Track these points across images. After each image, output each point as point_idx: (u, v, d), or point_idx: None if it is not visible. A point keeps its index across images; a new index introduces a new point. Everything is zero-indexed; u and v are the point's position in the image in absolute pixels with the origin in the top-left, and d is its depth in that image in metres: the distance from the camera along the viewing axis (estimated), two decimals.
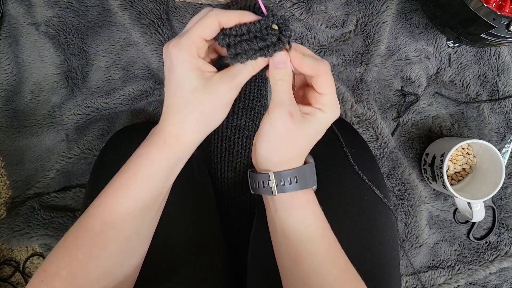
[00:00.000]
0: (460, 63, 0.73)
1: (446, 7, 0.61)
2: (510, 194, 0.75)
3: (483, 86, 0.74)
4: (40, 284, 0.34)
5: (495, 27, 0.54)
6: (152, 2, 0.70)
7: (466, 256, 0.75)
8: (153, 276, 0.45)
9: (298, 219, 0.38)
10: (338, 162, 0.51)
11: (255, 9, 0.38)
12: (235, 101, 0.60)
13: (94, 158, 0.71)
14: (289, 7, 0.69)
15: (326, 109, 0.36)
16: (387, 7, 0.71)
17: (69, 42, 0.70)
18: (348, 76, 0.72)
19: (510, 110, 0.74)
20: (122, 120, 0.72)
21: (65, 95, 0.70)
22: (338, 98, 0.71)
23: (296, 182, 0.37)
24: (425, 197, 0.74)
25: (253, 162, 0.40)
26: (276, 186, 0.37)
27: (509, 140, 0.74)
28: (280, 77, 0.36)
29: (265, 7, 0.36)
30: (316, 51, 0.71)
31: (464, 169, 0.71)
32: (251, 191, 0.42)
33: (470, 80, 0.74)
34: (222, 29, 0.35)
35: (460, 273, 0.74)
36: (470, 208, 0.67)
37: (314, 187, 0.40)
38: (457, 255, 0.75)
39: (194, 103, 0.35)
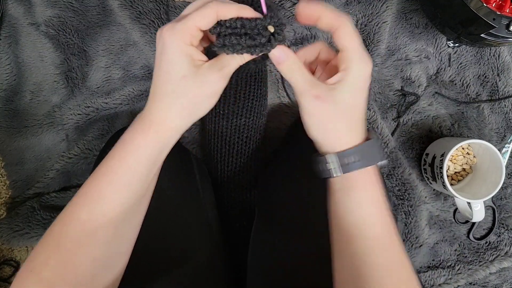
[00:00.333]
0: (460, 63, 0.73)
1: (446, 7, 0.61)
2: (510, 194, 0.75)
3: (483, 86, 0.74)
4: (29, 274, 0.34)
5: (495, 27, 0.54)
6: (152, 2, 0.70)
7: (466, 256, 0.75)
8: (153, 275, 0.45)
9: (355, 202, 0.36)
10: None
11: (258, 6, 0.38)
12: (235, 101, 0.60)
13: (94, 158, 0.71)
14: (289, 7, 0.69)
15: (354, 65, 0.34)
16: (387, 7, 0.71)
17: (69, 42, 0.70)
18: None
19: (510, 110, 0.74)
20: (122, 120, 0.72)
21: (65, 95, 0.70)
22: None
23: (359, 160, 0.35)
24: (425, 197, 0.74)
25: (316, 147, 0.39)
26: (335, 168, 0.35)
27: (509, 140, 0.74)
28: (288, 70, 0.35)
29: (268, 6, 0.36)
30: None
31: (464, 169, 0.71)
32: (318, 176, 0.40)
33: (470, 80, 0.74)
34: None
35: (460, 273, 0.74)
36: (470, 208, 0.67)
37: (382, 162, 0.37)
38: (457, 255, 0.75)
39: (182, 89, 0.34)
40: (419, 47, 0.73)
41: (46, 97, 0.71)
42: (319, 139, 0.36)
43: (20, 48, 0.70)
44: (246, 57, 0.37)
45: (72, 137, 0.71)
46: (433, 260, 0.75)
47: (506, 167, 0.74)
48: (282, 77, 0.71)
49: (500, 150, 0.73)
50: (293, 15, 0.70)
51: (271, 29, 0.35)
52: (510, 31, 0.54)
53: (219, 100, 0.60)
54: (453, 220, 0.75)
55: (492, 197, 0.70)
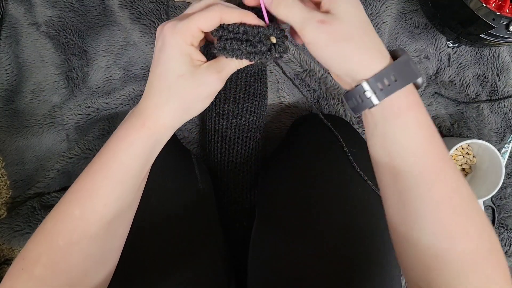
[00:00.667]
0: (460, 63, 0.74)
1: (446, 7, 0.61)
2: (509, 194, 0.75)
3: (483, 86, 0.74)
4: (20, 273, 0.34)
5: (495, 27, 0.54)
6: (152, 3, 0.70)
7: None
8: (153, 275, 0.45)
9: (399, 129, 0.32)
10: (339, 162, 0.51)
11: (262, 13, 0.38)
12: (235, 101, 0.60)
13: None
14: None
15: None
16: (386, 7, 0.71)
17: (69, 42, 0.70)
18: None
19: (509, 110, 0.74)
20: (122, 120, 0.72)
21: (65, 95, 0.70)
22: (338, 98, 0.71)
23: (395, 80, 0.31)
24: None
25: (344, 87, 0.37)
26: (373, 95, 0.32)
27: (508, 140, 0.74)
28: (285, 6, 0.33)
29: (271, 17, 0.36)
30: None
31: (463, 169, 0.71)
32: (355, 116, 0.37)
33: (469, 80, 0.74)
34: None
35: None
36: None
37: (420, 79, 0.33)
38: None
39: (178, 88, 0.34)
40: (419, 47, 0.73)
41: (47, 97, 0.71)
42: (345, 70, 0.33)
43: (20, 48, 0.70)
44: (244, 63, 0.37)
45: (72, 137, 0.71)
46: None
47: (506, 167, 0.74)
48: (282, 76, 0.72)
49: (499, 150, 0.73)
50: None
51: (273, 39, 0.35)
52: (509, 31, 0.55)
53: (219, 100, 0.61)
54: None
55: (492, 197, 0.70)
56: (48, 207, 0.70)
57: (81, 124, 0.71)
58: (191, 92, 0.35)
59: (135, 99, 0.71)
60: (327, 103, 0.72)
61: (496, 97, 0.74)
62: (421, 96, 0.73)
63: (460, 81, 0.74)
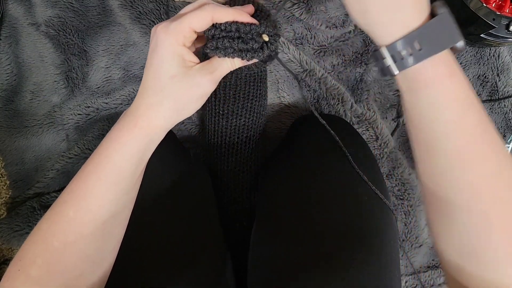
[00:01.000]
0: (460, 63, 0.73)
1: None
2: None
3: (483, 86, 0.74)
4: (17, 274, 0.34)
5: (495, 27, 0.54)
6: (152, 2, 0.70)
7: None
8: (153, 276, 0.45)
9: (427, 102, 0.29)
10: (339, 162, 0.51)
11: (258, 11, 0.38)
12: (234, 101, 0.60)
13: None
14: (289, 7, 0.69)
15: None
16: None
17: (69, 42, 0.70)
18: (348, 76, 0.72)
19: (509, 110, 0.74)
20: None
21: (65, 95, 0.70)
22: (338, 98, 0.71)
23: (420, 49, 0.27)
24: None
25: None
26: (393, 63, 0.29)
27: (508, 140, 0.74)
28: None
29: (264, 12, 0.36)
30: (316, 51, 0.71)
31: None
32: (383, 76, 0.32)
33: (469, 80, 0.74)
34: None
35: None
36: None
37: (459, 44, 0.28)
38: None
39: (170, 89, 0.34)
40: None
41: (46, 97, 0.71)
42: (366, 30, 0.30)
43: (20, 48, 0.70)
44: (237, 62, 0.36)
45: (72, 137, 0.71)
46: (433, 260, 0.75)
47: None
48: (282, 76, 0.71)
49: None
50: (293, 15, 0.70)
51: (265, 37, 0.35)
52: (509, 31, 0.54)
53: (219, 100, 0.61)
54: None
55: None
56: (47, 207, 0.69)
57: (80, 124, 0.71)
58: (184, 93, 0.35)
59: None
60: (327, 103, 0.72)
61: (496, 97, 0.74)
62: None
63: None
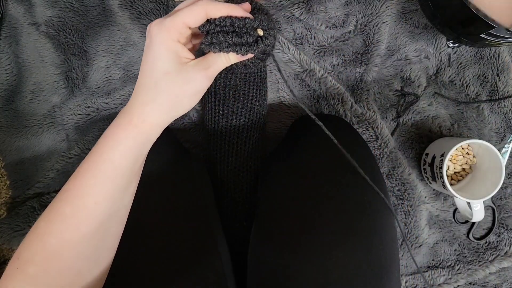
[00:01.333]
0: (460, 63, 0.73)
1: (446, 7, 0.61)
2: (510, 194, 0.75)
3: (483, 86, 0.74)
4: (15, 272, 0.34)
5: (495, 27, 0.54)
6: (152, 2, 0.70)
7: (466, 256, 0.75)
8: (152, 277, 0.45)
9: None
10: (339, 162, 0.51)
11: (255, 9, 0.38)
12: (234, 101, 0.60)
13: None
14: (289, 7, 0.69)
15: None
16: (386, 7, 0.71)
17: (69, 42, 0.70)
18: (348, 76, 0.72)
19: (509, 110, 0.74)
20: None
21: (65, 95, 0.71)
22: (338, 98, 0.71)
23: None
24: (425, 197, 0.74)
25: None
26: None
27: (508, 140, 0.74)
28: None
29: (261, 10, 0.36)
30: (316, 51, 0.71)
31: (464, 169, 0.71)
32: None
33: (469, 80, 0.74)
34: None
35: (460, 273, 0.74)
36: (470, 208, 0.67)
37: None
38: (456, 255, 0.75)
39: (164, 85, 0.34)
40: (419, 47, 0.73)
41: (46, 97, 0.71)
42: None
43: (20, 48, 0.70)
44: (232, 58, 0.36)
45: (72, 137, 0.71)
46: (433, 260, 0.75)
47: (506, 167, 0.74)
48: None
49: (500, 150, 0.73)
50: (293, 15, 0.70)
51: (260, 32, 0.35)
52: (509, 31, 0.54)
53: (219, 100, 0.61)
54: (453, 220, 0.75)
55: (492, 197, 0.70)
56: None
57: (81, 124, 0.71)
58: (178, 89, 0.35)
59: None
60: (327, 103, 0.72)
61: (496, 97, 0.74)
62: (421, 96, 0.73)
63: (460, 81, 0.74)
